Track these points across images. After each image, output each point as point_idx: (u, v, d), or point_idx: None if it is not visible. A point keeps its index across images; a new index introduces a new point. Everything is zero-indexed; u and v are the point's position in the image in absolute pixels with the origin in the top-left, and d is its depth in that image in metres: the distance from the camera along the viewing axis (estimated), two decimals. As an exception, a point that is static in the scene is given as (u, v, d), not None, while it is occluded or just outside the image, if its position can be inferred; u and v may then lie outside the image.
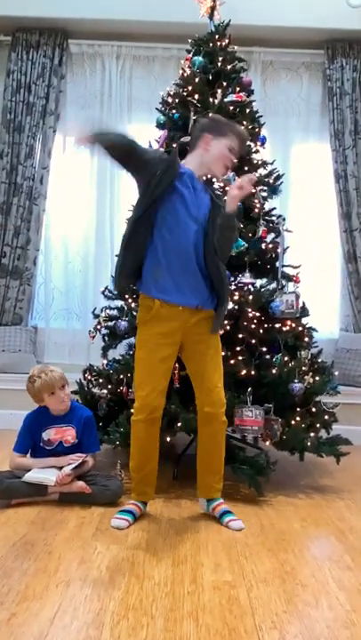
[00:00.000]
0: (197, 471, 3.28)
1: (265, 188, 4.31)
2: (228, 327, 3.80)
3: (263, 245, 4.10)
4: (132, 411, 3.18)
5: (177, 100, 4.35)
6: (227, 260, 3.21)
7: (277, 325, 3.92)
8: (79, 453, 3.49)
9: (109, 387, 3.98)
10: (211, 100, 4.25)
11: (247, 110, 4.33)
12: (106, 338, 4.29)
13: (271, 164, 4.43)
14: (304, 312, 4.11)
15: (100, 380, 4.10)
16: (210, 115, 3.36)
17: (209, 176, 3.21)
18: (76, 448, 3.56)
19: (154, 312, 3.06)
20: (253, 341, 3.87)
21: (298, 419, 3.76)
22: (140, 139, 3.14)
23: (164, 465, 3.33)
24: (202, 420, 3.21)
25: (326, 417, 3.91)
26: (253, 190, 3.21)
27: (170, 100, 4.42)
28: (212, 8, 4.67)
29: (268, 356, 3.87)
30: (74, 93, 6.13)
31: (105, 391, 4.02)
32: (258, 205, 4.14)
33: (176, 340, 3.12)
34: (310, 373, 3.91)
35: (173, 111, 4.33)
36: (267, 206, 4.33)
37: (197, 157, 3.18)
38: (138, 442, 3.16)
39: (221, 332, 3.68)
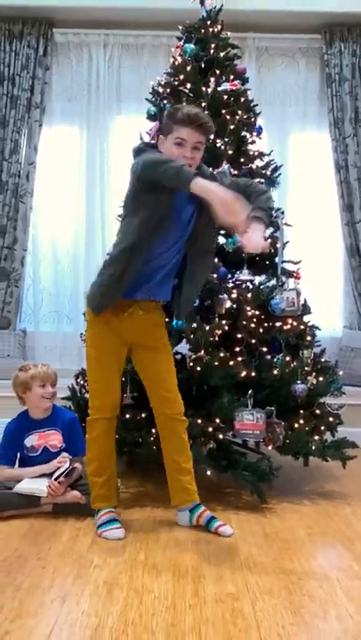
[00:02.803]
0: (168, 478, 3.27)
1: (262, 180, 4.31)
2: (226, 327, 3.80)
3: (262, 240, 4.10)
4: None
5: (168, 90, 4.35)
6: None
7: (278, 324, 3.92)
8: (65, 454, 3.50)
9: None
10: (203, 89, 4.25)
11: (242, 99, 4.33)
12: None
13: (268, 155, 4.43)
14: (306, 310, 4.10)
15: (94, 385, 4.09)
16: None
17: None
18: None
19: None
20: (253, 341, 3.87)
21: (301, 421, 3.77)
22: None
23: (161, 474, 3.33)
24: (162, 423, 3.23)
25: (331, 419, 3.91)
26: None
27: (161, 89, 4.41)
28: (204, -7, 4.67)
29: (268, 357, 3.87)
30: (60, 85, 6.13)
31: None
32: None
33: (126, 340, 3.18)
34: (313, 374, 3.91)
35: (165, 101, 4.33)
36: (264, 199, 4.32)
37: None
38: (97, 443, 3.18)
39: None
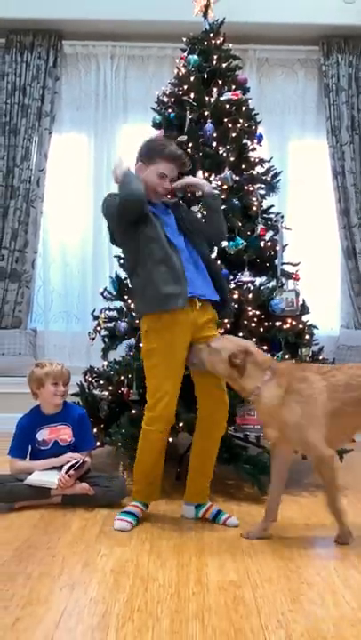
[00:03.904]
0: (190, 475, 3.26)
1: (263, 185, 4.31)
2: (228, 326, 3.80)
3: (262, 243, 4.10)
4: (137, 413, 3.17)
5: (173, 100, 4.36)
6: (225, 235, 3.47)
7: (278, 323, 3.91)
8: (77, 454, 3.50)
9: (110, 388, 3.98)
10: (206, 98, 4.25)
11: (243, 108, 4.33)
12: (106, 339, 4.28)
13: (268, 161, 4.43)
14: (304, 309, 4.10)
15: (101, 382, 4.09)
16: (149, 138, 3.35)
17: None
18: (73, 447, 3.57)
19: (164, 319, 3.01)
20: (254, 340, 3.86)
21: (300, 417, 3.75)
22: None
23: (166, 466, 3.32)
24: (208, 425, 3.17)
25: (329, 414, 3.90)
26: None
27: (165, 99, 4.42)
28: (207, 6, 4.66)
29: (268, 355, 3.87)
30: (69, 95, 6.15)
31: (106, 393, 4.02)
32: (256, 203, 4.14)
33: (187, 345, 3.06)
34: (312, 371, 3.90)
35: (169, 110, 4.33)
36: (265, 204, 4.33)
37: None
38: (152, 451, 3.10)
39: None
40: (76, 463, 3.35)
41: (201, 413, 3.19)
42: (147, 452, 3.12)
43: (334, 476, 2.87)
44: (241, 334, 3.81)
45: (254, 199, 4.14)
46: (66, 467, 3.34)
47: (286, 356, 3.82)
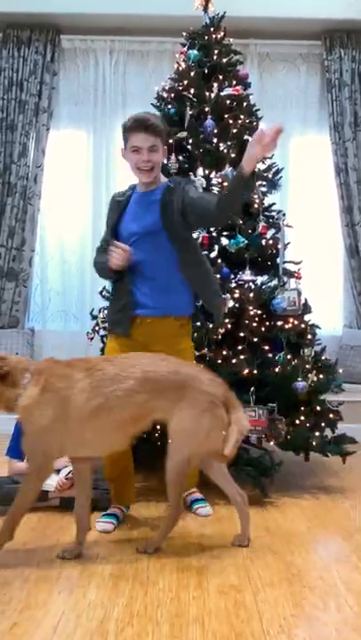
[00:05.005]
0: None
1: (264, 183, 4.31)
2: (229, 325, 3.80)
3: (263, 242, 4.09)
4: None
5: (172, 95, 4.35)
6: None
7: (279, 323, 3.91)
8: None
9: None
10: (207, 94, 4.25)
11: (244, 104, 4.32)
12: (104, 339, 4.28)
13: (270, 158, 4.42)
14: (306, 309, 4.10)
15: (100, 382, 4.09)
16: None
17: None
18: None
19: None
20: (255, 340, 3.87)
21: (302, 418, 3.76)
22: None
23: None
24: None
25: (331, 415, 3.91)
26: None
27: (165, 94, 4.41)
28: (207, 0, 4.65)
29: (270, 355, 3.87)
30: (67, 90, 6.13)
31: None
32: (257, 201, 4.13)
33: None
34: (314, 371, 3.90)
35: (169, 106, 4.33)
36: (266, 202, 4.32)
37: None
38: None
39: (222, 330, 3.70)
40: None
41: None
42: (107, 456, 3.12)
43: (33, 494, 2.71)
44: (242, 334, 3.82)
45: (256, 197, 4.13)
46: (65, 470, 3.34)
47: (288, 356, 3.82)
